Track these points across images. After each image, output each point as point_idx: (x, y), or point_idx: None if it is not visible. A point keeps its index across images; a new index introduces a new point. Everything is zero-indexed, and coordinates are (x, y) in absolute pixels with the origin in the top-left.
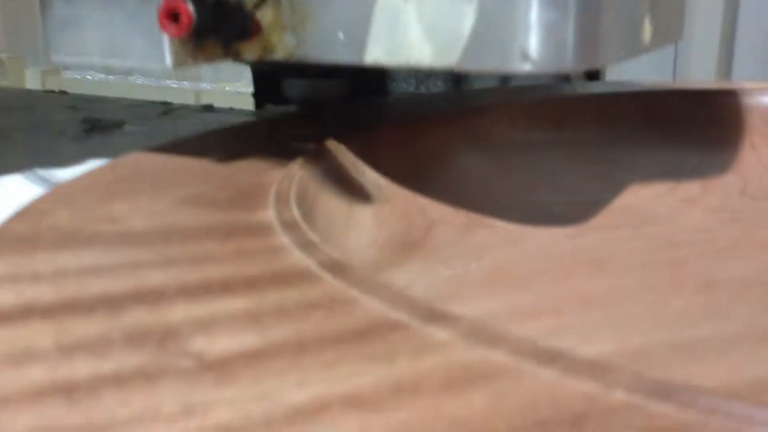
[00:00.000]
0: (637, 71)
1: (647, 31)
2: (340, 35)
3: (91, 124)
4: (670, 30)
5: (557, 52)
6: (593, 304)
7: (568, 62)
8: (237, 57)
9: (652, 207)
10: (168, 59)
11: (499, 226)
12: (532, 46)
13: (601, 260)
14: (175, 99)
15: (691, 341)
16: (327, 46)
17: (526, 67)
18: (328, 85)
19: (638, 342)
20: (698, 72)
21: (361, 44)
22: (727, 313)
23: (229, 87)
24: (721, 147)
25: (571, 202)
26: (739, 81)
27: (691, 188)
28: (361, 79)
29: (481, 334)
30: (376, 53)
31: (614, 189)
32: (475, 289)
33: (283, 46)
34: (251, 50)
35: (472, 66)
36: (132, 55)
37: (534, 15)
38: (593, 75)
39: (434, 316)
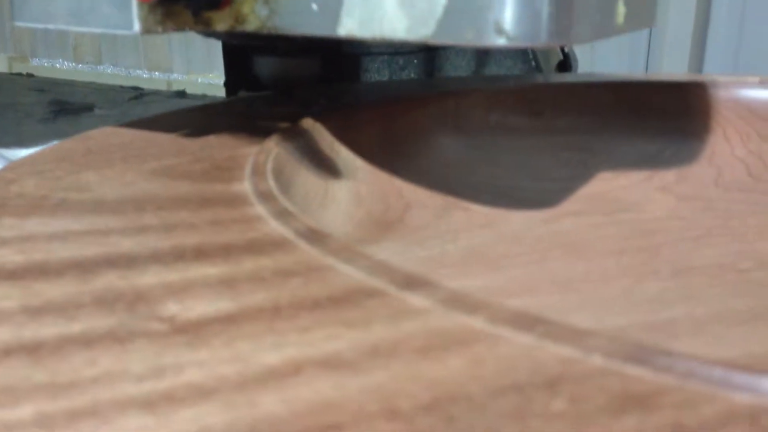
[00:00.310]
0: (609, 65)
1: (621, 12)
2: (313, 6)
3: (59, 106)
4: (643, 14)
5: (532, 27)
6: (568, 286)
7: (543, 37)
8: (208, 26)
9: (627, 195)
10: (136, 25)
11: (475, 209)
12: (507, 19)
13: (576, 245)
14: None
15: (666, 323)
16: (300, 17)
17: (501, 41)
18: (299, 63)
19: (613, 322)
20: (670, 67)
21: (335, 15)
22: (700, 297)
23: (201, 78)
24: (695, 138)
25: (546, 188)
26: (711, 75)
27: (665, 177)
28: (332, 62)
29: (459, 301)
30: (350, 25)
31: (590, 176)
32: (450, 270)
33: (255, 17)
34: (222, 20)
35: (446, 39)
36: (99, 21)
37: None
38: (565, 67)
39: (412, 283)
